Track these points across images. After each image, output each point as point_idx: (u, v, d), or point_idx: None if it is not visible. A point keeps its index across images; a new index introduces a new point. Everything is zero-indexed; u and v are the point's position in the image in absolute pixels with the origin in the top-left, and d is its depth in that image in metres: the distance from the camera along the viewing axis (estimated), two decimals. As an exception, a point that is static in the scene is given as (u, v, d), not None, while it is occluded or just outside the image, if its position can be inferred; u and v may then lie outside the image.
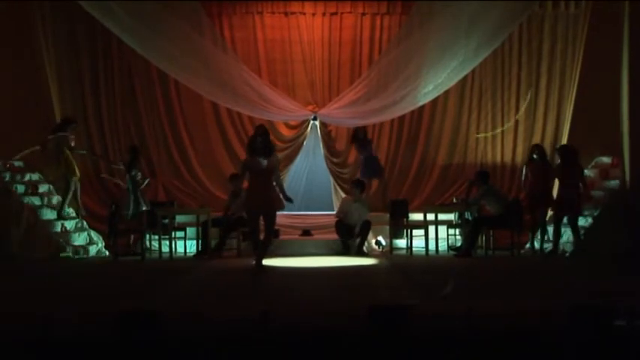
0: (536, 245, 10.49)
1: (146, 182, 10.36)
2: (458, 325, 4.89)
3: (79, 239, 10.39)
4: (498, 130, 12.25)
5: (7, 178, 10.33)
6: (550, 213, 10.17)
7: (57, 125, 10.56)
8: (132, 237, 10.47)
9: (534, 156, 10.17)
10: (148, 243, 10.44)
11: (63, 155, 10.28)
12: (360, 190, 10.68)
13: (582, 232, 9.88)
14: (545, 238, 10.14)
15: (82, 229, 10.58)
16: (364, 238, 10.28)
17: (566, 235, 10.16)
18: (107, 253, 10.34)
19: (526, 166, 10.36)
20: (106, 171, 11.78)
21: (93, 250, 10.45)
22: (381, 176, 11.58)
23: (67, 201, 10.39)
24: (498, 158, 12.26)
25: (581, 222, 10.00)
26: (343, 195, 11.67)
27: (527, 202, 10.22)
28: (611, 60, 9.90)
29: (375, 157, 11.58)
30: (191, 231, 10.66)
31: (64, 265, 9.42)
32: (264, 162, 8.17)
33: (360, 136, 11.48)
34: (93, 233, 10.69)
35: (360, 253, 10.13)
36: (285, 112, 11.57)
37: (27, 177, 10.71)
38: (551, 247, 9.87)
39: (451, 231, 10.92)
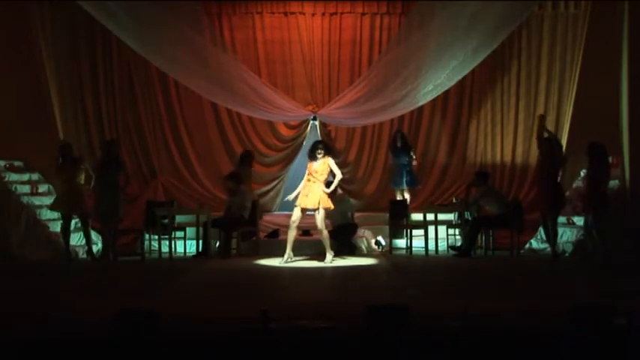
0: (535, 244, 10.51)
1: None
2: (457, 325, 4.89)
3: (79, 239, 10.38)
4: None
5: (7, 178, 10.34)
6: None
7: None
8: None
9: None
10: (147, 243, 10.42)
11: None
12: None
13: (582, 232, 9.87)
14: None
15: (81, 229, 10.56)
16: (350, 237, 10.35)
17: (566, 235, 10.15)
18: (107, 253, 10.34)
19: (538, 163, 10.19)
20: None
21: (93, 250, 10.43)
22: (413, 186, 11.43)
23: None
24: (498, 158, 12.25)
25: (581, 222, 9.99)
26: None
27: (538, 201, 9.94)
28: (611, 60, 9.90)
29: (408, 164, 11.36)
30: (191, 231, 10.65)
31: (63, 265, 9.42)
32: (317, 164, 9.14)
33: (397, 145, 11.38)
34: (93, 233, 10.67)
35: (348, 249, 10.18)
36: (285, 113, 11.56)
37: (27, 177, 10.72)
38: (592, 250, 9.40)
39: (451, 231, 10.92)
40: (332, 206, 9.21)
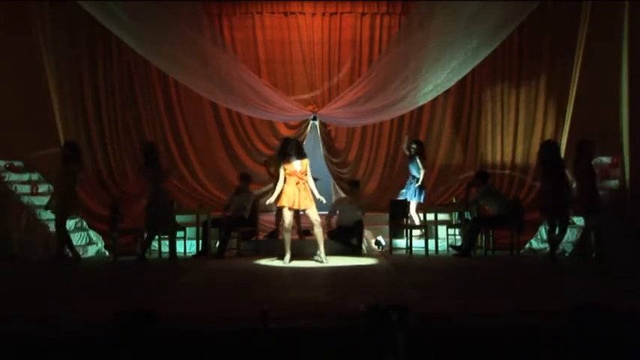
0: (535, 244, 10.51)
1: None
2: (457, 324, 4.89)
3: (79, 239, 10.37)
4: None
5: (7, 178, 10.34)
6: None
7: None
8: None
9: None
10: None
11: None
12: (357, 191, 10.65)
13: (581, 232, 9.86)
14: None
15: (81, 229, 10.57)
16: (360, 238, 10.30)
17: (566, 235, 10.13)
18: (107, 253, 10.34)
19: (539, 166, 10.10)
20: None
21: (93, 250, 10.45)
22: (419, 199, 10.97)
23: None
24: (498, 158, 12.25)
25: (581, 222, 9.99)
26: (343, 195, 11.66)
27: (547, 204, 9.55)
28: (611, 60, 9.89)
29: (415, 176, 10.95)
30: (191, 231, 10.64)
31: (63, 265, 9.41)
32: (298, 164, 9.07)
33: (409, 152, 11.07)
34: (92, 233, 10.69)
35: (358, 253, 10.12)
36: (285, 113, 11.57)
37: (27, 177, 10.71)
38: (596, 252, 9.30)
39: (451, 231, 10.91)
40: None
